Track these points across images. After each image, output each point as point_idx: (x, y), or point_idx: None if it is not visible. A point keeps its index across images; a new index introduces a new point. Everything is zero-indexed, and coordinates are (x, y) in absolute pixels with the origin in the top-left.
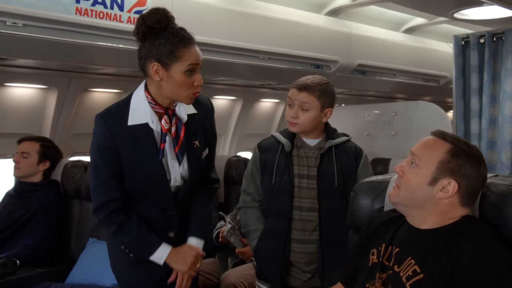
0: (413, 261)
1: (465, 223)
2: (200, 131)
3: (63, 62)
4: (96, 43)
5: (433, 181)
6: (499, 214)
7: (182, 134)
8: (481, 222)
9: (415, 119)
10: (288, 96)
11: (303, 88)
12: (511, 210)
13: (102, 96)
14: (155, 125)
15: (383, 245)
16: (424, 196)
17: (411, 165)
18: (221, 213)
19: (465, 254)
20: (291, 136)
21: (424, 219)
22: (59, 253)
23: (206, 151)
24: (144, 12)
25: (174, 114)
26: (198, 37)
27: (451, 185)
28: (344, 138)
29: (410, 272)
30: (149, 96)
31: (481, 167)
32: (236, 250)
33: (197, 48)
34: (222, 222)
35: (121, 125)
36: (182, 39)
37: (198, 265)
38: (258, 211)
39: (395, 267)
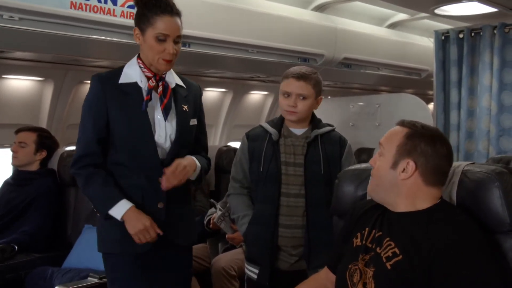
0: (392, 243)
1: (441, 208)
2: (190, 101)
3: (59, 55)
4: (90, 36)
5: (394, 164)
6: (475, 200)
7: (168, 93)
8: (456, 207)
9: (398, 110)
10: (283, 86)
11: (300, 77)
12: (487, 196)
13: None
14: (143, 84)
15: (367, 229)
16: (390, 180)
17: (380, 156)
18: (212, 200)
19: (442, 238)
20: (279, 126)
21: (396, 203)
22: (56, 239)
23: (195, 122)
24: None
25: (161, 79)
26: (189, 31)
27: (410, 165)
28: (329, 128)
29: (390, 253)
30: (140, 61)
31: (436, 145)
32: (226, 235)
33: (177, 20)
34: (213, 209)
35: (113, 83)
36: (159, 6)
37: (148, 238)
38: (247, 197)
39: (377, 249)
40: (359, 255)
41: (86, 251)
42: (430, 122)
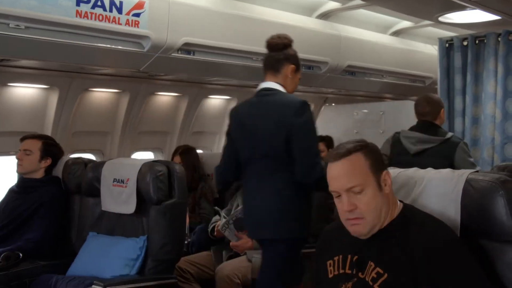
0: (372, 264)
1: (406, 213)
2: None
3: (64, 63)
4: (95, 44)
5: (379, 186)
6: (479, 209)
7: None
8: (419, 209)
9: (402, 118)
10: None
11: None
12: (491, 204)
13: (102, 95)
14: None
15: (341, 256)
16: (382, 203)
17: (357, 195)
18: (216, 207)
19: (418, 242)
20: None
21: (383, 221)
22: (61, 247)
23: None
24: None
25: None
26: (193, 39)
27: (388, 175)
28: None
29: (374, 275)
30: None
31: (376, 146)
32: (231, 243)
33: None
34: (217, 217)
35: None
36: None
37: None
38: None
39: (359, 274)
40: (337, 283)
41: (90, 259)
42: None
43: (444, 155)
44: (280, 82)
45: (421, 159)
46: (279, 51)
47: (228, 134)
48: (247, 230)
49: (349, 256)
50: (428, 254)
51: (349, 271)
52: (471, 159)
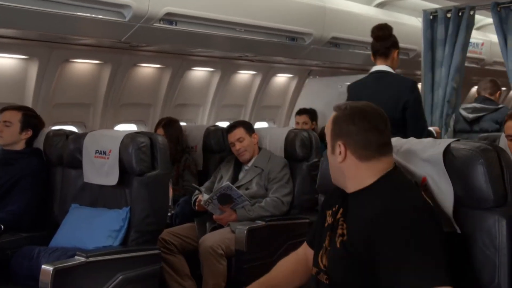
0: (344, 224)
1: (386, 179)
2: None
3: (43, 32)
4: (75, 13)
5: (332, 149)
6: (460, 177)
7: None
8: (402, 173)
9: None
10: None
11: None
12: (471, 172)
13: (83, 67)
14: None
15: (333, 208)
16: (334, 165)
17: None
18: (193, 184)
19: (375, 210)
20: None
21: (346, 186)
22: (43, 218)
23: None
24: None
25: None
26: (175, 9)
27: (341, 147)
28: None
29: (340, 231)
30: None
31: (356, 121)
32: (214, 216)
33: None
34: (197, 191)
35: None
36: None
37: None
38: None
39: (338, 228)
40: (327, 232)
41: (73, 230)
42: None
43: (496, 120)
44: (389, 64)
45: (477, 125)
46: (386, 40)
47: None
48: None
49: (337, 207)
50: (387, 215)
51: (335, 223)
52: None
